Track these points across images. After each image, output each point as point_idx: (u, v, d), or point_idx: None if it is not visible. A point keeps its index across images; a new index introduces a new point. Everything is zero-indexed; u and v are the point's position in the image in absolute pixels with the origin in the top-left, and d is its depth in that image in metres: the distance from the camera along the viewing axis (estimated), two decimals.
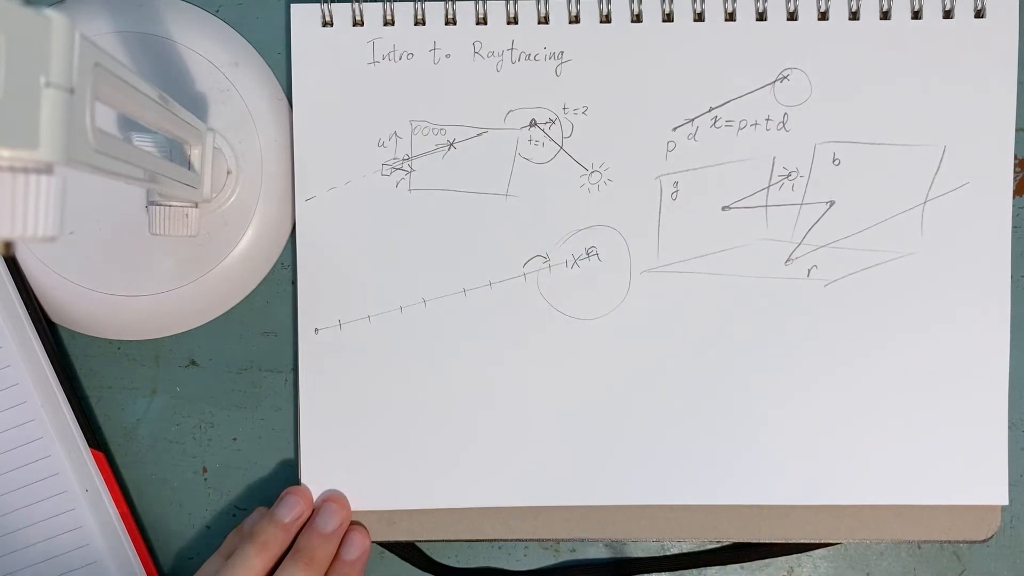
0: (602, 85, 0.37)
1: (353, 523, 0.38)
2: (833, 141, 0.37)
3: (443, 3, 0.37)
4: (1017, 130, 0.38)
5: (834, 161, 0.37)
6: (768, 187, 0.38)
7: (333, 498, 0.37)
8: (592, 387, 0.38)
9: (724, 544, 0.39)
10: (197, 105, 0.37)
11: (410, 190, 0.38)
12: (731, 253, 0.38)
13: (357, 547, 0.37)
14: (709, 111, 0.37)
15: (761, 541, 0.38)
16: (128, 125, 0.36)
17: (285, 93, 0.39)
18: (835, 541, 0.38)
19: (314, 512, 0.37)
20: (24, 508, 0.37)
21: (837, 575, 0.39)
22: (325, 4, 0.37)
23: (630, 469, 0.38)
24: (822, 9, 0.37)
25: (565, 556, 0.40)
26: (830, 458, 0.38)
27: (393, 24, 0.37)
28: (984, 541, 0.38)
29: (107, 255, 0.37)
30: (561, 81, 0.37)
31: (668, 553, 0.39)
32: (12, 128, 0.18)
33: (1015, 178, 0.38)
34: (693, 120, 0.37)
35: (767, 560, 0.39)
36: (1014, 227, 0.38)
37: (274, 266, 0.39)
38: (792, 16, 0.37)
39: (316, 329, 0.38)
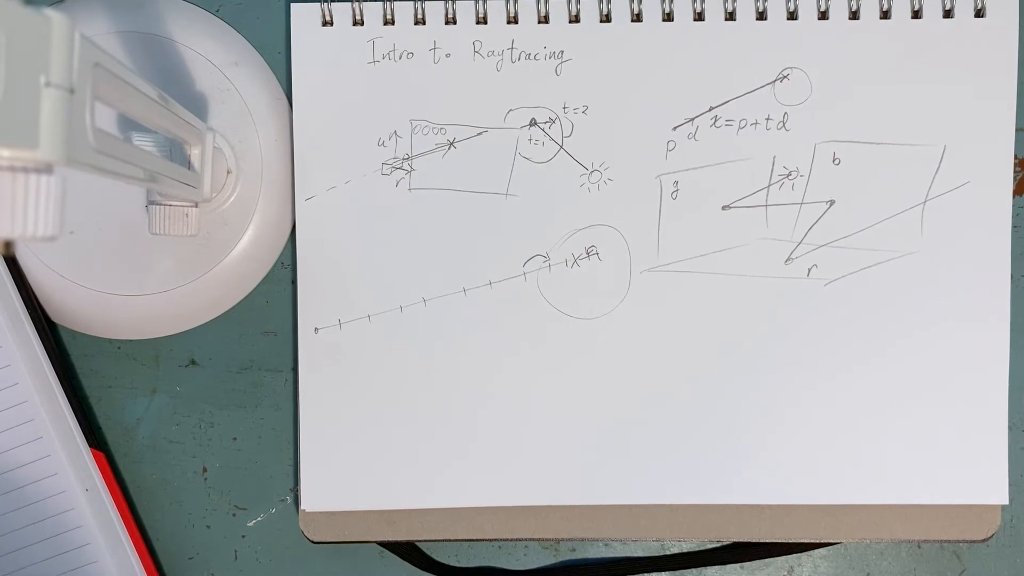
0: (602, 85, 0.37)
1: None
2: (833, 141, 0.37)
3: (443, 3, 0.37)
4: (1017, 130, 0.38)
5: (834, 161, 0.37)
6: (768, 187, 0.38)
7: None
8: (592, 386, 0.38)
9: (724, 544, 0.39)
10: (197, 105, 0.37)
11: (410, 190, 0.38)
12: (731, 252, 0.38)
13: None
14: (709, 111, 0.37)
15: (761, 541, 0.38)
16: (128, 125, 0.36)
17: (285, 93, 0.39)
18: (835, 541, 0.38)
19: None
20: (24, 508, 0.37)
21: (837, 575, 0.39)
22: (325, 4, 0.37)
23: (630, 469, 0.38)
24: (822, 9, 0.37)
25: (565, 556, 0.40)
26: (830, 458, 0.38)
27: (393, 24, 0.37)
28: (984, 541, 0.38)
29: (107, 255, 0.37)
30: (561, 80, 0.37)
31: (668, 553, 0.39)
32: (12, 128, 0.18)
33: (1015, 178, 0.38)
34: (693, 120, 0.37)
35: (767, 560, 0.39)
36: (1014, 227, 0.38)
37: (274, 266, 0.39)
38: (792, 16, 0.37)
39: (316, 329, 0.38)
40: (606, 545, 0.39)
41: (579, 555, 0.40)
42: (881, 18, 0.37)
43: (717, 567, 0.39)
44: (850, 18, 0.37)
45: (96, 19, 0.37)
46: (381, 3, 0.37)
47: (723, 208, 0.38)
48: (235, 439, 0.39)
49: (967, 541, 0.38)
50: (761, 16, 0.37)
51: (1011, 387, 0.38)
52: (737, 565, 0.39)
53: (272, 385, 0.39)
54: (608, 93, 0.37)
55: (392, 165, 0.38)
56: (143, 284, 0.38)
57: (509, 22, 0.37)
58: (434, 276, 0.38)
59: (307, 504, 0.38)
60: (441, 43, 0.37)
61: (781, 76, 0.37)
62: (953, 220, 0.37)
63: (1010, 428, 0.38)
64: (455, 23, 0.37)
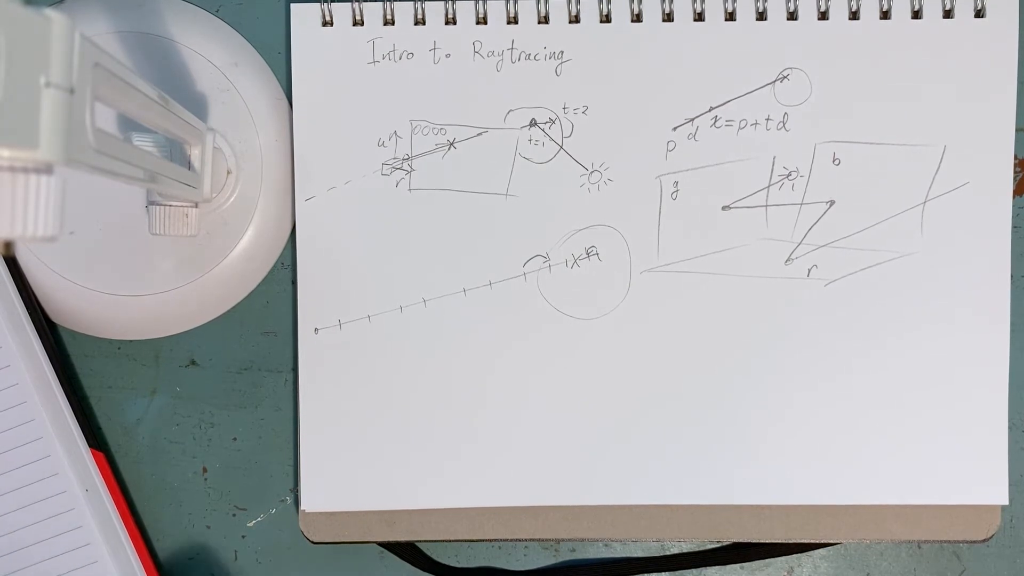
0: (602, 85, 0.37)
1: None
2: (833, 141, 0.37)
3: (443, 3, 0.37)
4: (1017, 130, 0.38)
5: (834, 161, 0.37)
6: (768, 187, 0.38)
7: None
8: (592, 387, 0.38)
9: (724, 544, 0.39)
10: (197, 105, 0.37)
11: (410, 190, 0.38)
12: (731, 253, 0.38)
13: None
14: (709, 111, 0.37)
15: (761, 541, 0.38)
16: (128, 125, 0.36)
17: (285, 93, 0.39)
18: (835, 541, 0.38)
19: None
20: (24, 508, 0.37)
21: (837, 575, 0.39)
22: (325, 4, 0.37)
23: (630, 469, 0.38)
24: (822, 9, 0.37)
25: (565, 556, 0.40)
26: (830, 458, 0.38)
27: (393, 24, 0.37)
28: (984, 541, 0.38)
29: (107, 255, 0.37)
30: (561, 81, 0.37)
31: (668, 553, 0.39)
32: (12, 128, 0.18)
33: (1015, 178, 0.38)
34: (693, 120, 0.37)
35: (767, 560, 0.39)
36: (1014, 227, 0.38)
37: (274, 266, 0.39)
38: (792, 16, 0.37)
39: (316, 329, 0.38)
40: (606, 545, 0.39)
41: (579, 555, 0.40)
42: (881, 18, 0.37)
43: (717, 567, 0.39)
44: (850, 18, 0.37)
45: (96, 19, 0.37)
46: (381, 3, 0.37)
47: (723, 208, 0.38)
48: (235, 439, 0.39)
49: (967, 541, 0.38)
50: (761, 16, 0.37)
51: (1011, 387, 0.38)
52: (737, 565, 0.39)
53: (272, 385, 0.39)
54: (608, 93, 0.37)
55: (392, 165, 0.38)
56: (143, 284, 0.38)
57: (509, 22, 0.37)
58: (434, 276, 0.38)
59: (307, 504, 0.38)
60: (441, 43, 0.37)
61: (781, 76, 0.37)
62: (953, 220, 0.37)
63: (1010, 428, 0.38)
64: (455, 23, 0.37)
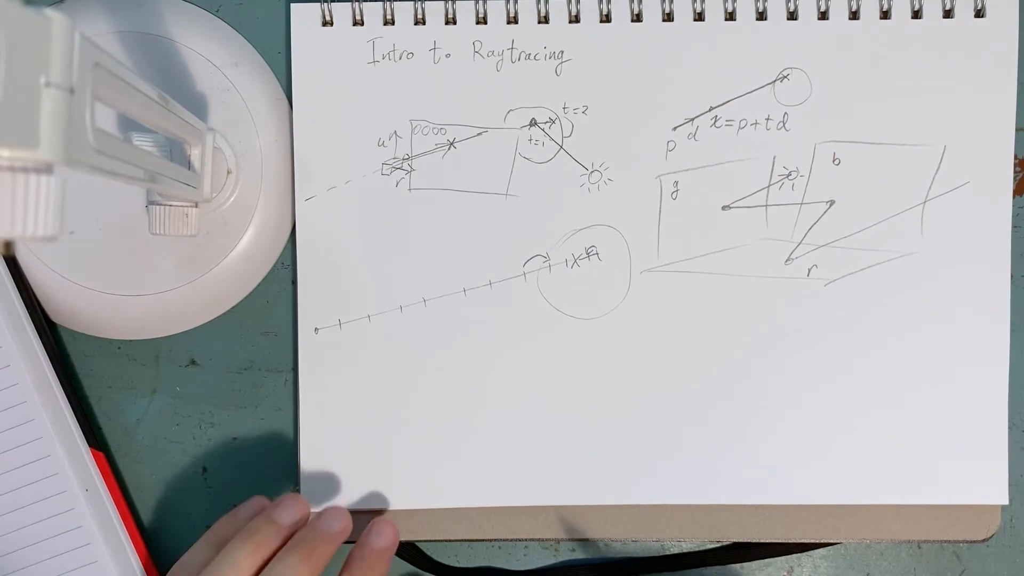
0: (602, 85, 0.37)
1: (383, 518, 0.36)
2: (833, 141, 0.37)
3: (443, 3, 0.37)
4: (1017, 130, 0.38)
5: (834, 161, 0.37)
6: (768, 187, 0.38)
7: (338, 507, 0.36)
8: (592, 387, 0.38)
9: (724, 544, 0.39)
10: (197, 105, 0.37)
11: (410, 190, 0.38)
12: (731, 253, 0.38)
13: (387, 537, 0.35)
14: (709, 111, 0.37)
15: (761, 541, 0.38)
16: (128, 125, 0.36)
17: (285, 93, 0.39)
18: (835, 541, 0.38)
19: (318, 514, 0.35)
20: (24, 508, 0.37)
21: (837, 575, 0.39)
22: (325, 4, 0.37)
23: (630, 469, 0.38)
24: (822, 9, 0.37)
25: (565, 556, 0.40)
26: (830, 458, 0.38)
27: (393, 24, 0.37)
28: (984, 541, 0.38)
29: (107, 255, 0.37)
30: (561, 81, 0.37)
31: (668, 553, 0.39)
32: (12, 128, 0.18)
33: (1015, 178, 0.38)
34: (693, 120, 0.37)
35: (767, 560, 0.39)
36: (1014, 227, 0.38)
37: (274, 266, 0.39)
38: (792, 16, 0.37)
39: (316, 329, 0.38)
40: (606, 545, 0.39)
41: (579, 555, 0.40)
42: (881, 18, 0.37)
43: (717, 567, 0.39)
44: (850, 18, 0.37)
45: (96, 19, 0.37)
46: (381, 3, 0.37)
47: (723, 208, 0.38)
48: (235, 439, 0.39)
49: (967, 541, 0.38)
50: (761, 16, 0.37)
51: (1011, 387, 0.38)
52: (737, 565, 0.39)
53: (272, 385, 0.39)
54: (608, 93, 0.37)
55: (392, 165, 0.38)
56: (143, 284, 0.38)
57: (509, 22, 0.37)
58: (434, 276, 0.38)
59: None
60: (441, 43, 0.37)
61: (781, 76, 0.37)
62: (953, 220, 0.37)
63: (1010, 428, 0.38)
64: (455, 23, 0.37)
